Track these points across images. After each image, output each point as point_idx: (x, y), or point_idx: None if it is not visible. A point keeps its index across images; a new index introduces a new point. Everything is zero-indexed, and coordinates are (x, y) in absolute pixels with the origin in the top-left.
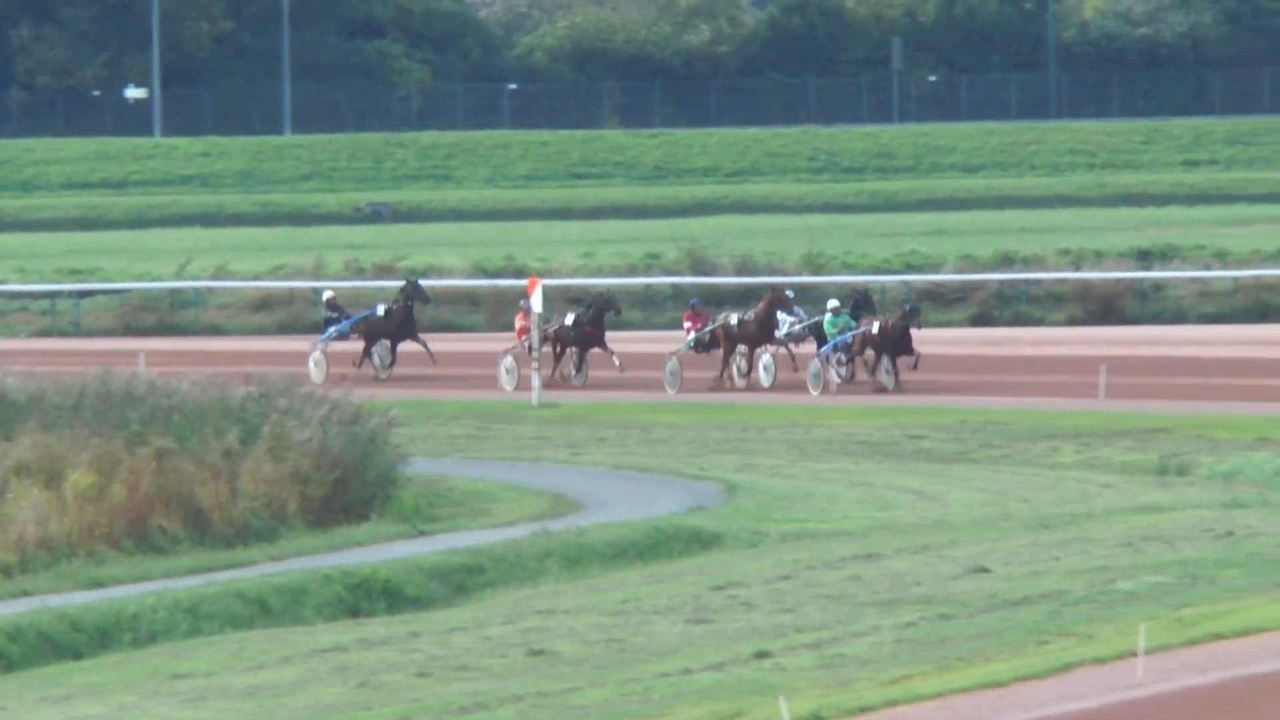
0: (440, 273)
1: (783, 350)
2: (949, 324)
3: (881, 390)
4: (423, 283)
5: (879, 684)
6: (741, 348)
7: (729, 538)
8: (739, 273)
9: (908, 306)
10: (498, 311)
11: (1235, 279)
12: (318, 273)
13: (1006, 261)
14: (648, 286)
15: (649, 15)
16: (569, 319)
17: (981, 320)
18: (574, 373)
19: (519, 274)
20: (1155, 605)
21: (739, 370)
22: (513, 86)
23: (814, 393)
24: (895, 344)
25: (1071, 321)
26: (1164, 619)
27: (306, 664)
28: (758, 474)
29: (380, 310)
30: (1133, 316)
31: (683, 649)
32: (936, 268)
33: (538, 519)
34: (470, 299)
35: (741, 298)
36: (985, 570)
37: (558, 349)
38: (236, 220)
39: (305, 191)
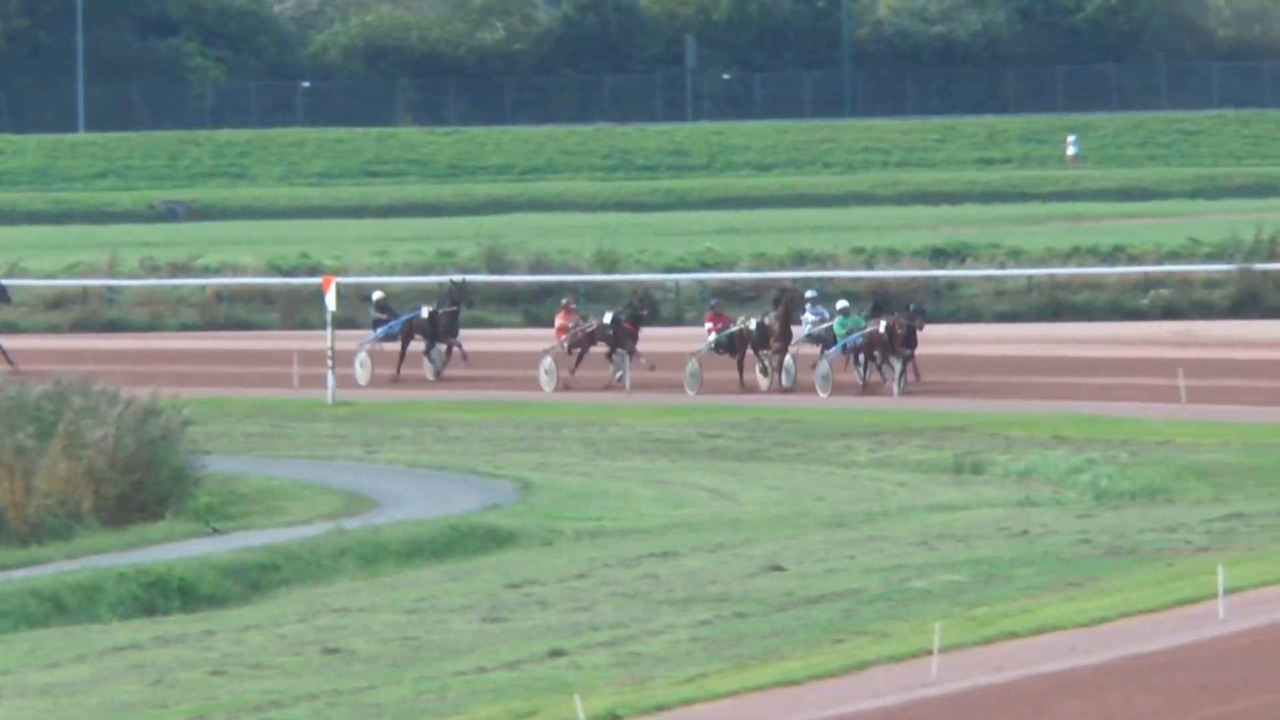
0: (235, 271)
1: (803, 350)
2: None
3: (888, 393)
4: (222, 280)
5: (674, 682)
6: (764, 350)
7: (524, 536)
8: (533, 271)
9: (913, 306)
10: (292, 309)
11: (1029, 277)
12: (112, 271)
13: (800, 260)
14: (441, 284)
15: (443, 13)
16: (607, 318)
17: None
18: (614, 372)
19: (313, 272)
20: (950, 604)
21: (761, 371)
22: (307, 84)
23: (822, 394)
24: (902, 345)
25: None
26: (959, 617)
27: (101, 662)
28: (553, 472)
29: (424, 312)
30: (928, 315)
31: (478, 647)
32: (730, 266)
33: (333, 517)
34: (265, 297)
35: (536, 296)
36: (780, 568)
37: (579, 351)
38: (31, 218)
39: (99, 189)
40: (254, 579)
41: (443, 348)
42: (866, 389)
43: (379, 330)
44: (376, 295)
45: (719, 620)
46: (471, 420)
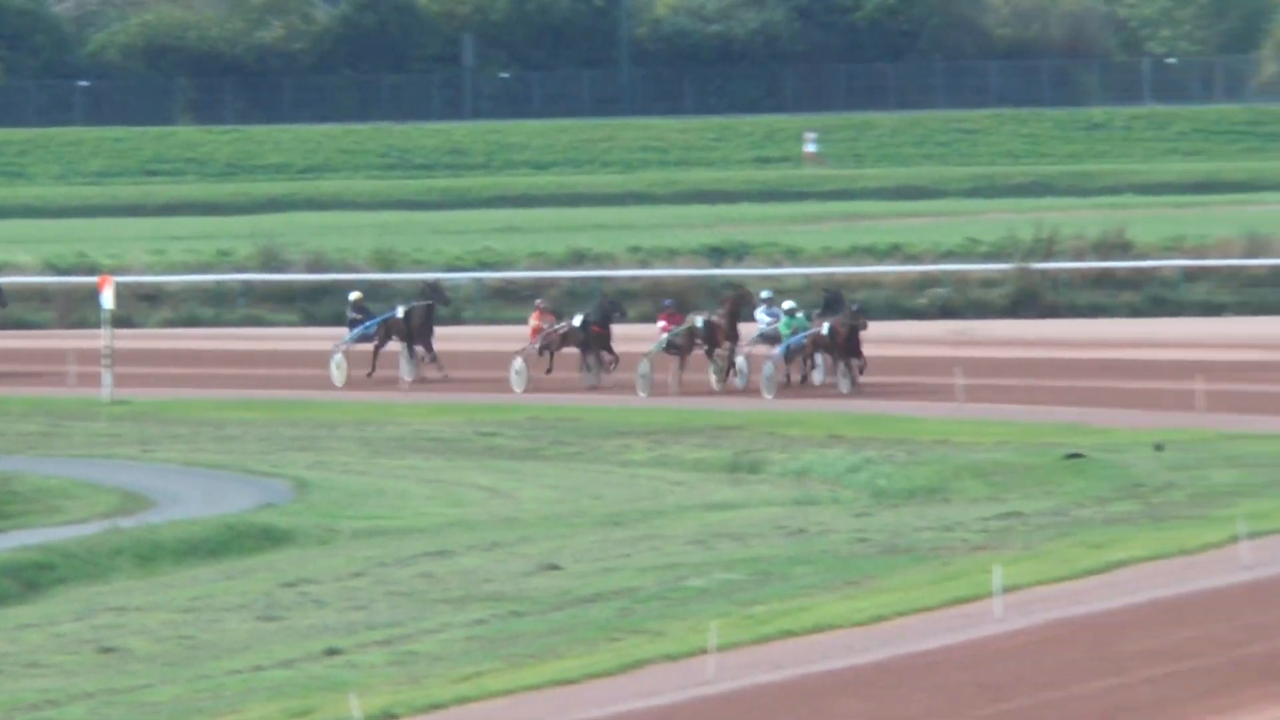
0: (12, 270)
1: (757, 350)
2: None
3: (831, 394)
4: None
5: (450, 681)
6: (716, 350)
7: (300, 535)
8: (311, 269)
9: (855, 307)
10: (69, 308)
11: (807, 276)
12: None
13: (578, 259)
14: (219, 283)
15: (221, 12)
16: (577, 320)
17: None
18: (585, 373)
19: (91, 271)
20: (727, 602)
21: (714, 371)
22: (85, 83)
23: (768, 395)
24: (844, 346)
25: (644, 319)
26: (735, 616)
27: None
28: (329, 471)
29: (400, 311)
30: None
31: (254, 646)
32: (509, 265)
33: (109, 516)
34: (42, 296)
35: (313, 295)
36: (557, 567)
37: (550, 353)
38: None
39: None
40: (30, 578)
41: (420, 349)
42: (807, 385)
43: (355, 330)
44: (354, 295)
45: (495, 619)
46: (248, 419)
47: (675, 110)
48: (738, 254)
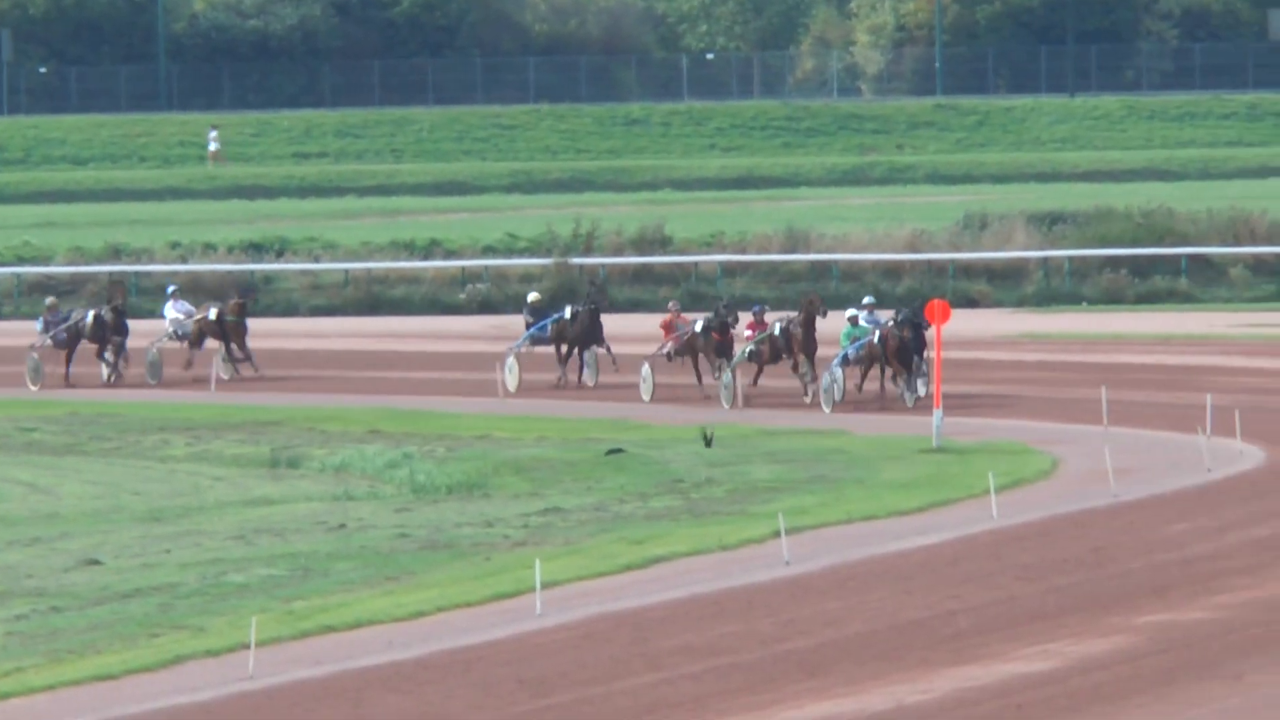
0: None
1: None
2: None
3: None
4: None
5: None
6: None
7: None
8: None
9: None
10: None
11: (346, 271)
12: None
13: (116, 254)
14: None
15: None
16: (566, 312)
17: None
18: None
19: None
20: (267, 598)
21: (801, 380)
22: None
23: (825, 410)
24: (897, 355)
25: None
26: (276, 611)
27: None
28: None
29: (567, 313)
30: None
31: None
32: (47, 260)
33: None
34: None
35: None
36: (97, 563)
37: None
38: None
39: None
40: None
41: (600, 350)
42: (874, 397)
43: (529, 332)
44: (532, 297)
45: (35, 615)
46: None
47: (214, 106)
48: (276, 249)
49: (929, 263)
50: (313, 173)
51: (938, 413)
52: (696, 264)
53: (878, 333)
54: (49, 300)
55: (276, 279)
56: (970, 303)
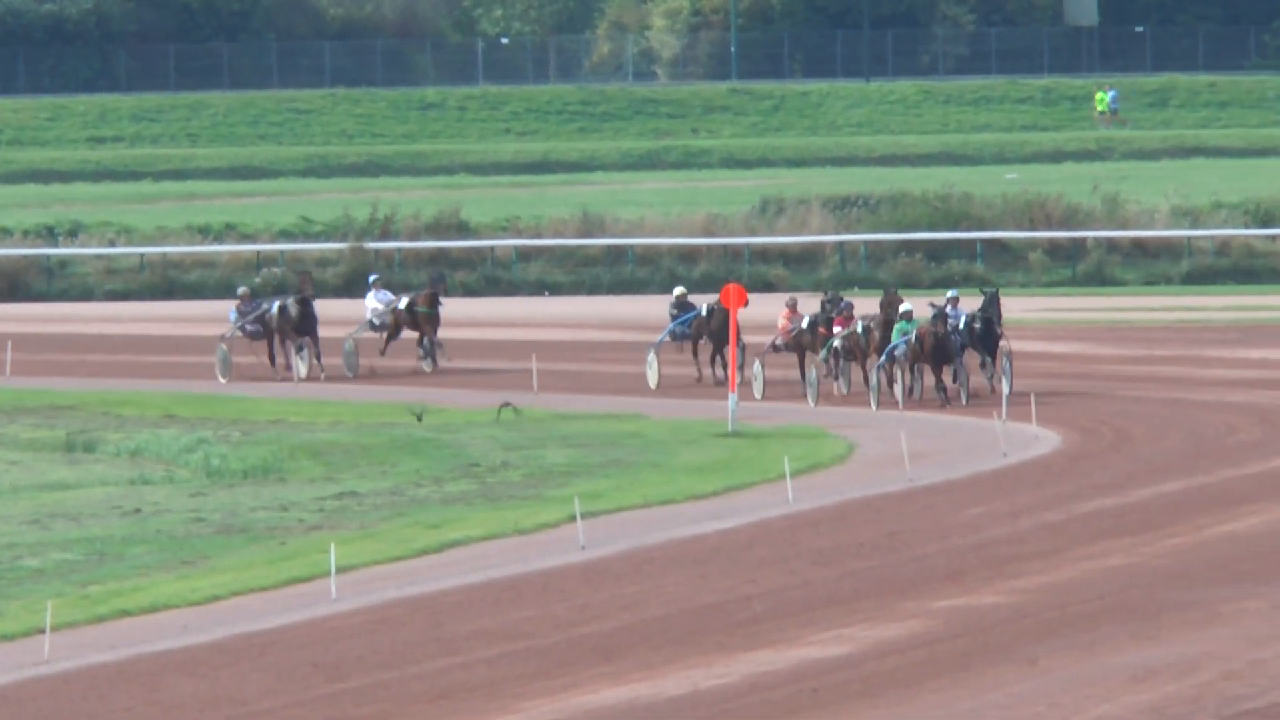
0: None
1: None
2: None
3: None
4: None
5: None
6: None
7: None
8: None
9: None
10: None
11: (142, 255)
12: None
13: None
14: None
15: None
16: (804, 322)
17: None
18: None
19: None
20: (63, 582)
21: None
22: None
23: (872, 407)
24: (932, 354)
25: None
26: (71, 596)
27: None
28: None
29: (704, 310)
30: (39, 294)
31: None
32: None
33: None
34: None
35: None
36: None
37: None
38: None
39: None
40: None
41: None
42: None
43: (668, 329)
44: (678, 291)
45: None
46: None
47: (8, 90)
48: (71, 233)
49: (725, 247)
50: (108, 157)
51: (733, 397)
52: (493, 248)
53: (915, 331)
54: (241, 289)
55: (71, 263)
56: (767, 287)
